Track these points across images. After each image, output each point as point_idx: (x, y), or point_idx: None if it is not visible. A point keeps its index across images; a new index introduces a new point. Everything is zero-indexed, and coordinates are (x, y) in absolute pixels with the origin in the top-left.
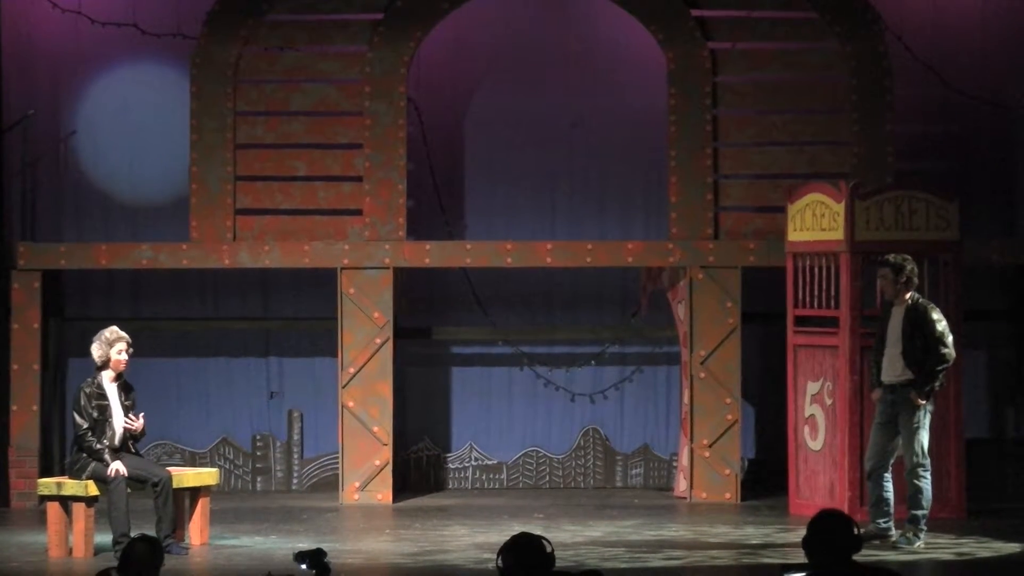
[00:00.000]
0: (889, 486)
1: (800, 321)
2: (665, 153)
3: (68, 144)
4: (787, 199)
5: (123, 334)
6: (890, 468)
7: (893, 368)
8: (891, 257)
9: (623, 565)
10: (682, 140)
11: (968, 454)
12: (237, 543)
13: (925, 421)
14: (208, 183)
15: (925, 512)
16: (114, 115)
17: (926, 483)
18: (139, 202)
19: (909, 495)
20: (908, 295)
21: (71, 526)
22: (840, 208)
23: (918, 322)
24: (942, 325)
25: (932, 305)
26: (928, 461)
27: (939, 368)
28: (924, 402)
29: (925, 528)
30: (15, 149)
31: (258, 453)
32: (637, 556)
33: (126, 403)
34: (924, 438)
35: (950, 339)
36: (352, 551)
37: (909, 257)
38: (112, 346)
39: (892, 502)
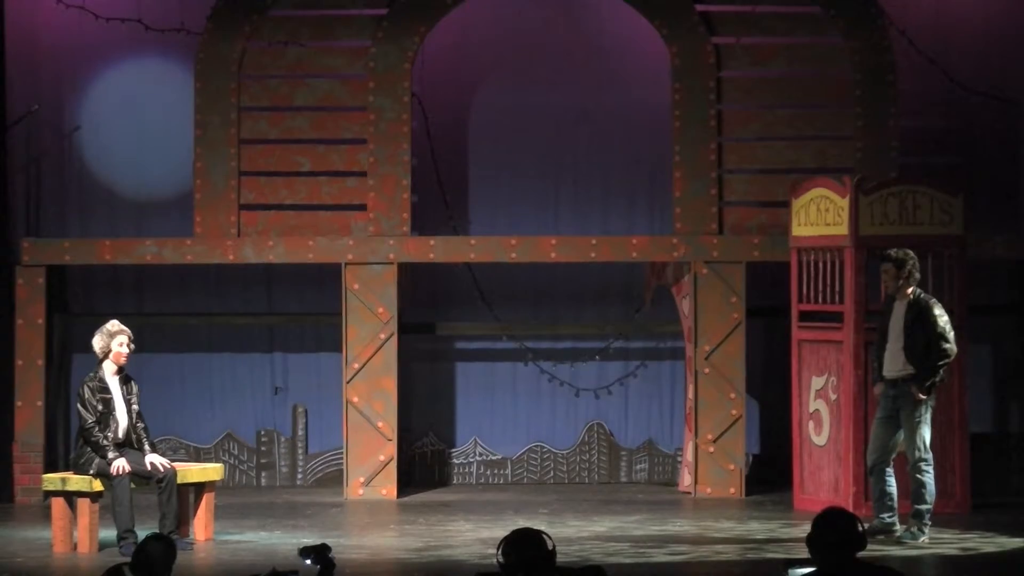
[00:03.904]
0: (892, 480)
1: (804, 316)
2: (669, 148)
3: (72, 140)
4: (791, 194)
5: (125, 328)
6: (891, 463)
7: (894, 363)
8: (893, 252)
9: (627, 560)
10: (686, 135)
11: (972, 449)
12: (242, 538)
13: (927, 416)
14: (212, 178)
15: (929, 507)
16: (118, 111)
17: (929, 478)
18: (143, 198)
19: (912, 490)
20: (910, 290)
21: (76, 521)
22: (844, 203)
23: (920, 317)
24: (944, 320)
25: (934, 300)
26: (930, 456)
27: (940, 363)
28: (925, 397)
29: (929, 523)
30: (19, 145)
31: (262, 448)
32: (641, 551)
33: (128, 396)
34: (926, 433)
35: (952, 334)
36: (357, 546)
37: (911, 252)
38: (114, 338)
39: (896, 496)
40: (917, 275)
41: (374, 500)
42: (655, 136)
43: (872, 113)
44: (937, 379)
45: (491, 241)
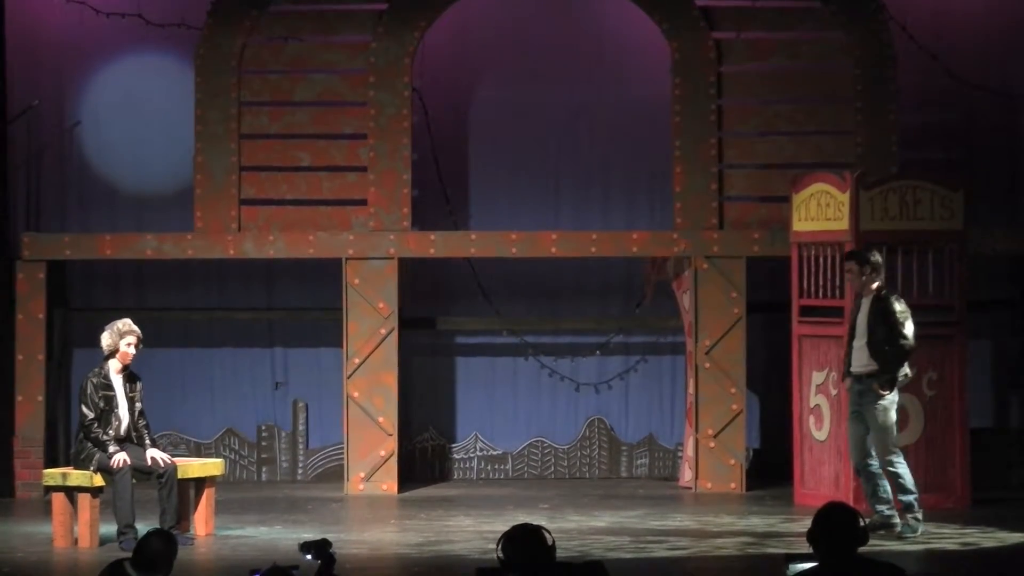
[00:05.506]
0: (881, 473)
1: (805, 311)
2: (669, 143)
3: (72, 135)
4: (791, 189)
5: (135, 328)
6: (875, 456)
7: (859, 359)
8: (856, 249)
9: (628, 555)
10: (687, 130)
11: (972, 443)
12: (242, 533)
13: (892, 411)
14: (213, 173)
15: (915, 495)
16: (118, 106)
17: (903, 468)
18: (144, 192)
19: (893, 486)
20: (874, 286)
21: (76, 517)
22: (845, 198)
23: (881, 312)
24: (904, 316)
25: (896, 295)
26: (898, 448)
27: (899, 358)
28: (886, 392)
29: (920, 511)
30: (20, 140)
31: (263, 444)
32: (642, 546)
33: (131, 394)
34: (892, 428)
35: (910, 329)
36: (357, 541)
37: (874, 248)
38: (123, 337)
39: (889, 489)
40: (881, 271)
41: (374, 495)
42: (655, 131)
43: (872, 108)
44: (899, 375)
45: (492, 236)
